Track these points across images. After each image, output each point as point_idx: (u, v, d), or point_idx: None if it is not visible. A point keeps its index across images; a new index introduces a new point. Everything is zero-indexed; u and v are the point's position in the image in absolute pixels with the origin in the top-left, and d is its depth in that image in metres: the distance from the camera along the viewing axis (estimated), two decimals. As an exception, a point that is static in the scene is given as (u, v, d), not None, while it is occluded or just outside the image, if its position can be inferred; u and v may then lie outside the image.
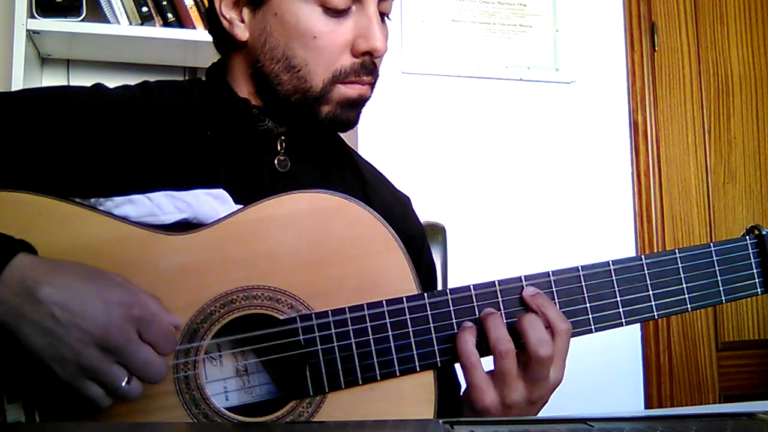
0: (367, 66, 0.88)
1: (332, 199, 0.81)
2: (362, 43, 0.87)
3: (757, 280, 0.88)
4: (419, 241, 1.03)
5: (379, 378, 0.78)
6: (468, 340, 0.78)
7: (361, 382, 0.78)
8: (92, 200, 0.80)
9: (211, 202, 0.82)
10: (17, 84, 1.76)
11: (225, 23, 0.91)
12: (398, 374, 0.79)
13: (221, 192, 0.84)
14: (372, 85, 0.91)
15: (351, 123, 0.91)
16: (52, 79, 2.07)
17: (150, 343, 0.68)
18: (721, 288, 0.87)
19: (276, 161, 0.92)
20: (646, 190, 2.32)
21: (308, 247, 0.79)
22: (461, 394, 0.84)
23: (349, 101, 0.89)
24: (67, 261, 0.70)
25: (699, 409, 0.65)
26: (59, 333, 0.65)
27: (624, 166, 2.33)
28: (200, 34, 1.88)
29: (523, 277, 0.82)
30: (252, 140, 0.92)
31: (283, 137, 0.93)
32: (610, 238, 2.25)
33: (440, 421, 0.60)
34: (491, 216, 2.18)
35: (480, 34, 2.24)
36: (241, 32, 0.90)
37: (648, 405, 2.21)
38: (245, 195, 0.83)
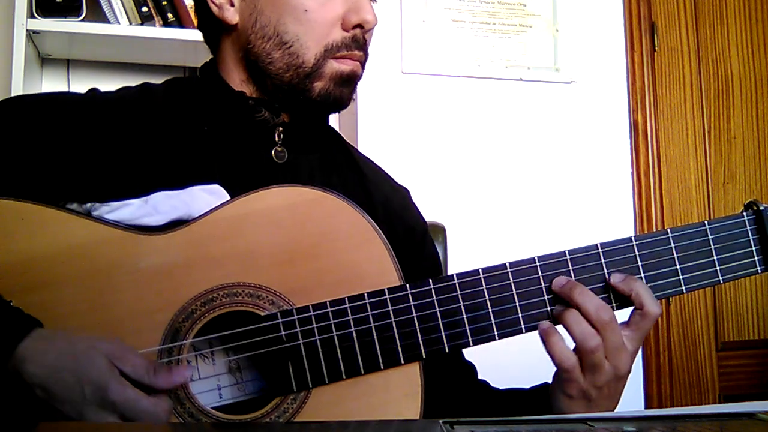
0: (358, 40, 0.89)
1: (310, 193, 0.80)
2: (353, 16, 0.88)
3: (756, 258, 0.84)
4: (420, 232, 1.03)
5: (363, 372, 0.78)
6: (559, 342, 0.78)
7: (344, 377, 0.77)
8: (87, 205, 0.81)
9: (205, 198, 0.82)
10: (17, 84, 1.76)
11: (215, 9, 0.92)
12: (382, 367, 0.78)
13: (216, 187, 0.84)
14: (362, 63, 0.92)
15: (344, 101, 0.91)
16: (52, 79, 2.08)
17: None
18: (717, 267, 0.83)
19: (273, 152, 0.92)
20: (646, 190, 2.32)
21: (288, 242, 0.79)
22: (552, 378, 0.83)
23: (342, 76, 0.89)
24: (61, 334, 0.70)
25: (699, 409, 0.65)
26: (42, 410, 0.67)
27: (624, 166, 2.33)
28: (200, 34, 1.88)
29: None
30: (249, 133, 0.92)
31: (281, 128, 0.93)
32: (610, 238, 2.24)
33: (441, 421, 0.60)
34: (491, 216, 2.18)
35: (480, 34, 2.24)
36: (231, 15, 0.92)
37: (648, 405, 2.21)
38: (242, 189, 0.83)
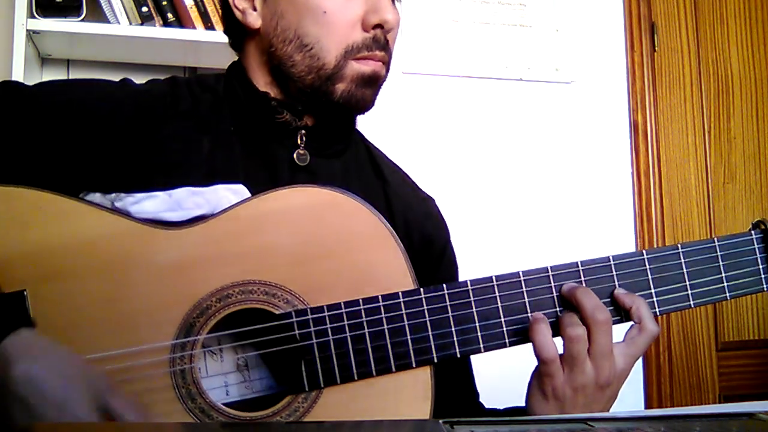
0: (379, 40, 0.89)
1: (328, 194, 0.81)
2: (373, 16, 0.88)
3: (762, 276, 0.86)
4: (440, 243, 1.02)
5: (374, 373, 0.78)
6: (545, 331, 0.78)
7: (356, 378, 0.78)
8: (112, 194, 0.81)
9: (229, 198, 0.82)
10: (17, 84, 1.76)
11: (238, 14, 0.93)
12: (394, 370, 0.78)
13: (240, 187, 0.84)
14: (386, 64, 0.92)
15: (367, 103, 0.91)
16: (52, 79, 2.07)
17: None
18: (725, 284, 0.85)
19: (295, 155, 0.91)
20: (646, 190, 2.32)
21: (304, 242, 0.79)
22: (532, 375, 0.82)
23: (364, 78, 0.89)
24: (56, 348, 0.69)
25: (699, 409, 0.65)
26: (7, 425, 0.65)
27: (624, 166, 2.33)
28: (200, 34, 1.88)
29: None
30: (272, 134, 0.92)
31: (303, 131, 0.92)
32: (610, 238, 2.25)
33: (440, 421, 0.60)
34: (492, 216, 2.18)
35: (480, 34, 2.24)
36: (254, 20, 0.92)
37: (648, 405, 2.21)
38: (265, 190, 0.83)
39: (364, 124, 2.09)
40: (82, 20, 1.84)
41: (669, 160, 2.35)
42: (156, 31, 1.88)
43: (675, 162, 2.36)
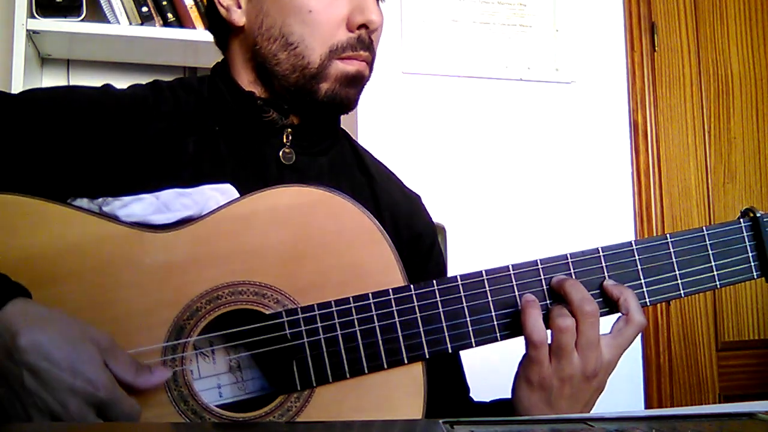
0: (363, 40, 0.89)
1: (316, 193, 0.80)
2: (358, 16, 0.88)
3: (752, 264, 0.86)
4: (428, 239, 1.03)
5: (366, 371, 0.78)
6: (536, 315, 0.78)
7: (348, 376, 0.78)
8: (99, 199, 0.81)
9: (216, 198, 0.82)
10: (17, 84, 1.76)
11: (222, 11, 0.93)
12: (386, 367, 0.78)
13: (228, 186, 0.84)
14: (369, 64, 0.92)
15: (350, 102, 0.91)
16: (52, 79, 2.08)
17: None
18: (715, 272, 0.85)
19: (281, 153, 0.92)
20: (646, 190, 2.32)
21: (293, 241, 0.79)
22: (519, 364, 0.82)
23: (348, 77, 0.89)
24: (55, 314, 0.69)
25: (699, 409, 0.65)
26: (21, 395, 0.66)
27: (624, 166, 2.33)
28: (200, 34, 1.88)
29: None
30: (258, 133, 0.92)
31: (289, 129, 0.93)
32: (610, 238, 2.24)
33: (440, 421, 0.60)
34: (491, 216, 2.18)
35: (480, 34, 2.24)
36: (238, 17, 0.92)
37: (648, 405, 2.21)
38: (251, 189, 0.83)
39: (364, 123, 2.09)
40: (82, 20, 1.84)
41: (669, 160, 2.35)
42: (156, 31, 1.88)
43: (675, 162, 2.36)
